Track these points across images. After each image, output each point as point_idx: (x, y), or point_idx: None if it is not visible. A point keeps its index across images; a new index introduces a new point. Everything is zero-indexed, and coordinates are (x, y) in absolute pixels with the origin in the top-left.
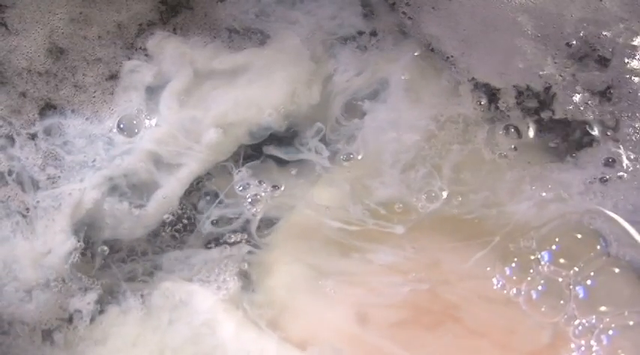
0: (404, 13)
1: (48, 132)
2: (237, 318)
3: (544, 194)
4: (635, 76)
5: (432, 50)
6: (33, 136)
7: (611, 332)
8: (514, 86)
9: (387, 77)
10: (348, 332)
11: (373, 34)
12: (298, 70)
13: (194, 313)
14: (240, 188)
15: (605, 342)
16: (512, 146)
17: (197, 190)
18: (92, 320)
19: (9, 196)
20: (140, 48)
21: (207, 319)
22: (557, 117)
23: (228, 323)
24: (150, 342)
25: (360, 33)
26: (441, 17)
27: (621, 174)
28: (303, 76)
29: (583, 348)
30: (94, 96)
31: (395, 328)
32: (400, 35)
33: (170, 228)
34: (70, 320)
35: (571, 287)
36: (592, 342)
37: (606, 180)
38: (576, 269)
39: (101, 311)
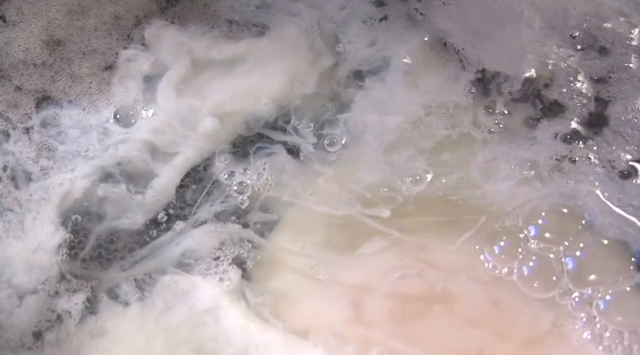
0: (415, 9)
1: (44, 124)
2: (241, 309)
3: (525, 172)
4: (632, 64)
5: (444, 44)
6: (28, 130)
7: (608, 297)
8: (521, 74)
9: (390, 57)
10: (344, 321)
11: (384, 18)
12: (296, 60)
13: (196, 301)
14: (225, 176)
15: (606, 310)
16: (493, 129)
17: (187, 179)
18: (90, 313)
19: (2, 193)
20: (137, 38)
21: (210, 307)
22: (559, 100)
23: (232, 312)
24: (151, 333)
25: (371, 17)
26: (451, 12)
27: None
28: (301, 65)
29: (585, 319)
30: (90, 87)
31: (387, 318)
32: (410, 22)
33: (165, 218)
34: (69, 314)
35: (562, 261)
36: (594, 313)
37: (587, 158)
38: (566, 243)
39: (97, 306)
